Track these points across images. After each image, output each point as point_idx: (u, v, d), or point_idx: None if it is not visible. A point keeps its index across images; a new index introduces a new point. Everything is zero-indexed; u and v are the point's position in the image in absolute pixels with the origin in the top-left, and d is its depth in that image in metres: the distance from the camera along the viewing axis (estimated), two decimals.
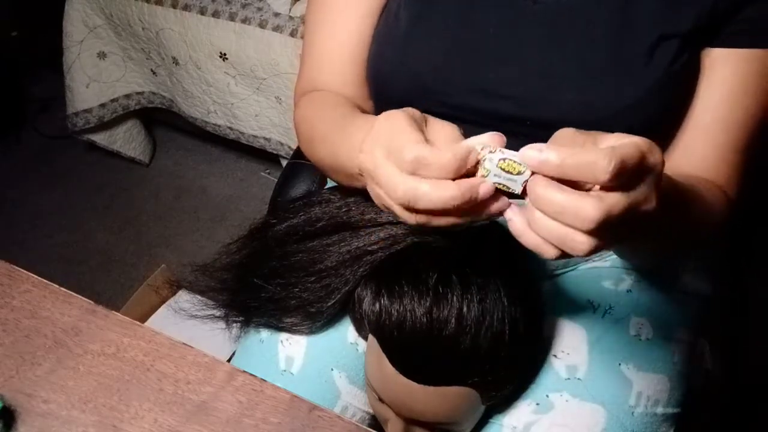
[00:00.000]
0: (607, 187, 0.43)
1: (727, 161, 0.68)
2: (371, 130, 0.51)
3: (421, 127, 0.50)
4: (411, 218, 0.49)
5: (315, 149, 0.70)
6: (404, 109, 0.52)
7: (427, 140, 0.48)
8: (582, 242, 0.44)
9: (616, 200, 0.43)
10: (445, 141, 0.49)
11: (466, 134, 0.70)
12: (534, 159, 0.44)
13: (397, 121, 0.49)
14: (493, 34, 0.67)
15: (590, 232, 0.43)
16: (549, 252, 0.46)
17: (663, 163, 0.46)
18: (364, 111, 0.73)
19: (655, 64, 0.63)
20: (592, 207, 0.42)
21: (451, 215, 0.47)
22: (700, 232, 0.66)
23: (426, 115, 0.52)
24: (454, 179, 0.46)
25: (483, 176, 0.47)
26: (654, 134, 0.67)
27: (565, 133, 0.46)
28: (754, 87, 0.66)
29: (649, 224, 0.47)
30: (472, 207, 0.47)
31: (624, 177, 0.43)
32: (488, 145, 0.47)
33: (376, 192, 0.52)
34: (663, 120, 0.66)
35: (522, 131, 0.68)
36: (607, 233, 0.44)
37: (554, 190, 0.43)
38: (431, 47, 0.68)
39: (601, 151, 0.42)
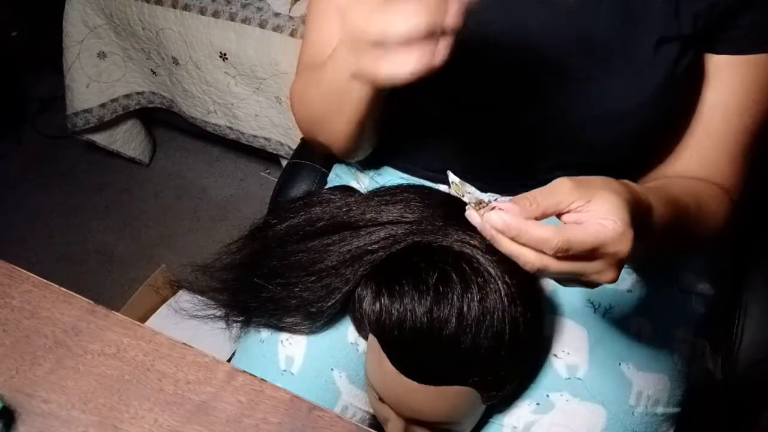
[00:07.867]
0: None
1: (735, 165, 0.69)
2: None
3: None
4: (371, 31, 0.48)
5: (307, 97, 0.71)
6: None
7: None
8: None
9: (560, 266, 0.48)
10: None
11: (470, 128, 0.70)
12: (498, 224, 0.48)
13: None
14: (495, 32, 0.67)
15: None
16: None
17: (629, 251, 0.48)
18: None
19: (658, 67, 0.63)
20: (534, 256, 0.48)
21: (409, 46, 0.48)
22: (703, 242, 0.68)
23: None
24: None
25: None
26: (655, 137, 0.67)
27: (562, 184, 0.49)
28: (761, 93, 0.66)
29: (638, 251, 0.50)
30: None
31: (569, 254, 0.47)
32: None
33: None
34: (665, 123, 0.66)
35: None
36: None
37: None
38: None
39: (553, 230, 0.47)
